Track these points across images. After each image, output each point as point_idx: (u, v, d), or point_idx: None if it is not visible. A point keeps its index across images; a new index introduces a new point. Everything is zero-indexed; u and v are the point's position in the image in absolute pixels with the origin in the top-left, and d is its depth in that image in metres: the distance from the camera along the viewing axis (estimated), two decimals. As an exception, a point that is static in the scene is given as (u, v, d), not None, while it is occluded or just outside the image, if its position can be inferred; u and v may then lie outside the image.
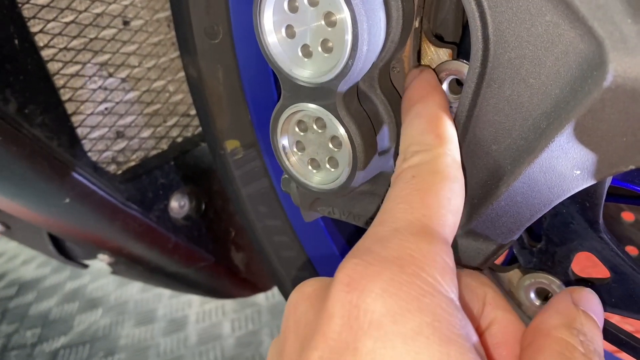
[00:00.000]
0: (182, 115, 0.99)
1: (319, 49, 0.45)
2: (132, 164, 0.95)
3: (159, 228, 0.91)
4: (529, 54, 0.42)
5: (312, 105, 0.48)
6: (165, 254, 0.94)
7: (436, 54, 0.52)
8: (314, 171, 0.52)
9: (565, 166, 0.39)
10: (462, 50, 0.52)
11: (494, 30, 0.42)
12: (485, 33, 0.43)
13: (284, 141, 0.51)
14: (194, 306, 1.77)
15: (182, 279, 1.02)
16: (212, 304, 1.73)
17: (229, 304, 1.70)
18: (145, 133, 0.97)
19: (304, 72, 0.47)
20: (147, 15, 0.95)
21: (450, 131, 0.45)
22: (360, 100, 0.49)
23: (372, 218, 0.55)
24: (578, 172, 0.39)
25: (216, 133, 0.75)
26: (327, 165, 0.51)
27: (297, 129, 0.51)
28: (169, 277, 1.01)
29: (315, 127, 0.49)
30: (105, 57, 0.92)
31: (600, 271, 0.55)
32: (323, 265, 0.78)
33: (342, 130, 0.47)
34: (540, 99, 0.42)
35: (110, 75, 0.93)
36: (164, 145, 0.98)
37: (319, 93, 0.47)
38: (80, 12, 0.87)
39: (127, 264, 0.98)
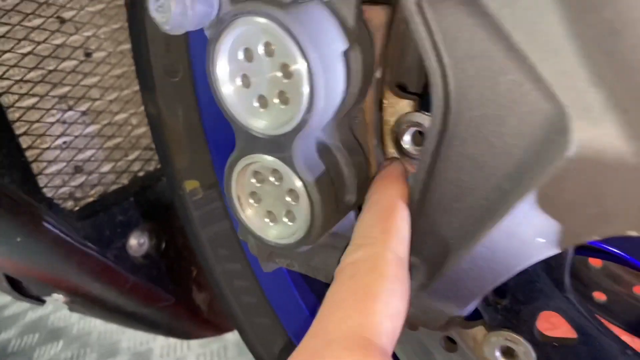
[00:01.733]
0: (144, 148, 0.96)
1: (276, 100, 0.43)
2: (91, 199, 0.91)
3: (116, 267, 0.88)
4: (492, 112, 0.40)
5: (268, 157, 0.45)
6: (123, 294, 0.90)
7: (399, 105, 0.51)
8: (271, 224, 0.49)
9: (528, 233, 0.38)
10: (426, 101, 0.51)
11: (455, 88, 0.41)
12: (446, 90, 0.41)
13: (239, 192, 0.49)
14: (159, 339, 1.71)
15: (141, 319, 0.97)
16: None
17: (194, 340, 1.64)
18: (106, 167, 0.93)
19: (260, 123, 0.44)
20: (111, 47, 0.93)
21: (398, 225, 0.44)
22: (319, 152, 0.47)
23: (332, 272, 0.53)
24: (542, 240, 0.37)
25: (175, 173, 0.72)
26: (285, 219, 0.48)
27: (253, 180, 0.48)
28: (128, 317, 0.97)
29: (271, 179, 0.47)
30: (65, 89, 0.89)
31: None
32: (285, 312, 0.75)
33: (298, 184, 0.45)
34: (503, 160, 0.41)
35: (70, 108, 0.90)
36: (125, 179, 0.95)
37: (274, 145, 0.44)
38: (39, 43, 0.84)
39: (84, 303, 0.93)
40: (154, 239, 0.93)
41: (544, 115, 0.37)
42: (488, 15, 0.37)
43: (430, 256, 0.47)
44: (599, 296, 0.79)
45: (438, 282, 0.46)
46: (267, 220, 0.49)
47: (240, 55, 0.44)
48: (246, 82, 0.44)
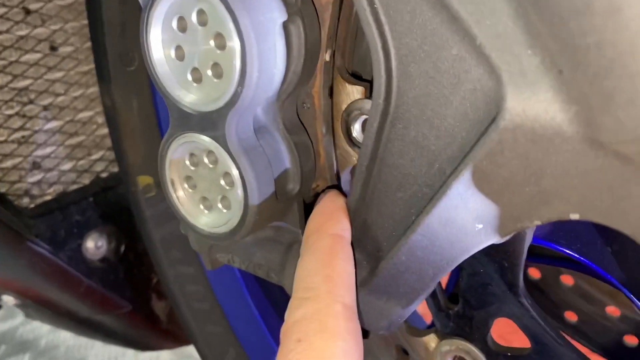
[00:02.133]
0: (108, 149, 0.93)
1: (209, 73, 0.41)
2: (48, 197, 0.87)
3: (69, 269, 0.84)
4: (435, 91, 0.37)
5: (201, 137, 0.42)
6: (76, 298, 0.86)
7: (350, 92, 0.48)
8: (205, 211, 0.46)
9: (466, 218, 0.34)
10: (378, 89, 0.48)
11: (397, 64, 0.38)
12: (388, 66, 0.38)
13: (172, 175, 0.46)
14: (128, 355, 1.65)
15: (96, 326, 0.93)
16: (147, 355, 1.61)
17: (165, 355, 1.58)
18: (66, 166, 0.90)
19: (190, 97, 0.41)
20: (78, 42, 0.90)
21: (342, 269, 0.40)
22: (259, 135, 0.44)
23: (273, 269, 0.49)
24: (480, 226, 0.34)
25: (128, 168, 0.69)
26: (219, 205, 0.45)
27: (187, 162, 0.45)
28: (82, 324, 0.92)
29: (206, 161, 0.44)
30: (27, 82, 0.86)
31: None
32: (238, 321, 0.71)
33: (233, 167, 0.42)
34: (446, 142, 0.38)
35: (31, 101, 0.87)
36: (86, 179, 0.91)
37: (208, 122, 0.41)
38: (1, 33, 0.82)
39: (35, 306, 0.89)
40: (113, 243, 0.90)
41: (487, 91, 0.35)
42: (429, -18, 0.34)
43: (372, 251, 0.44)
44: (570, 316, 0.76)
45: (379, 277, 0.42)
46: (201, 206, 0.46)
47: (174, 25, 0.41)
48: (180, 53, 0.42)
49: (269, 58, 0.39)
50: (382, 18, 0.37)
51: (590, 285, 0.75)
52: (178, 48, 0.42)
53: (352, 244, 0.45)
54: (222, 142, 0.41)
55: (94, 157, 0.93)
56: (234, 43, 0.38)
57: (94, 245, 0.88)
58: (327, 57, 0.46)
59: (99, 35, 0.63)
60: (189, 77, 0.42)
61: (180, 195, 0.46)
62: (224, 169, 0.43)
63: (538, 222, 0.32)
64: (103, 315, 0.91)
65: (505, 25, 0.29)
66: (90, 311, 0.90)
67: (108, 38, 0.62)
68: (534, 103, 0.28)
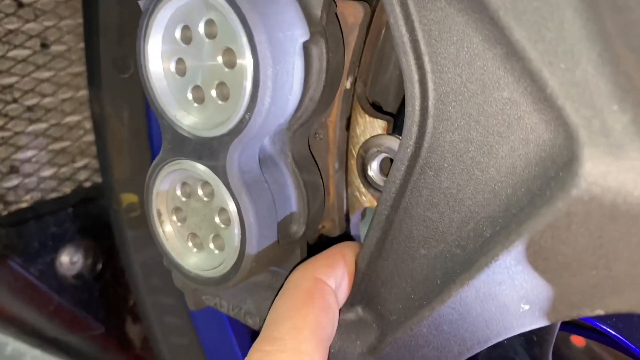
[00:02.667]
0: (94, 157, 0.86)
1: (213, 93, 0.35)
2: (24, 205, 0.81)
3: (39, 284, 0.77)
4: (478, 138, 0.32)
5: (197, 165, 0.36)
6: (43, 316, 0.79)
7: (369, 125, 0.42)
8: (194, 250, 0.40)
9: (511, 296, 0.29)
10: (402, 124, 0.42)
11: (435, 102, 0.32)
12: (424, 103, 0.33)
13: (159, 205, 0.39)
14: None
15: (64, 347, 0.86)
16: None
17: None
18: (47, 172, 0.83)
19: (189, 119, 0.36)
20: (72, 42, 0.84)
21: (314, 319, 0.35)
22: (264, 168, 0.38)
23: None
24: (527, 307, 0.28)
25: (113, 183, 0.63)
26: (211, 245, 0.39)
27: (178, 192, 0.39)
28: (49, 343, 0.85)
29: (200, 193, 0.38)
30: (12, 79, 0.79)
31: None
32: (218, 358, 0.64)
33: (231, 203, 0.36)
34: (486, 199, 0.32)
35: (15, 100, 0.80)
36: (67, 188, 0.85)
37: (207, 150, 0.36)
38: (-12, 24, 0.75)
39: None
40: (90, 259, 0.83)
41: (543, 144, 0.29)
42: (486, 10, 0.29)
43: (385, 313, 0.38)
44: (579, 381, 0.70)
45: (390, 346, 0.36)
46: (190, 244, 0.40)
47: (178, 34, 0.35)
48: (181, 68, 0.36)
49: (285, 82, 0.33)
50: (423, 48, 0.32)
51: (603, 348, 0.69)
52: (179, 61, 0.36)
53: (360, 299, 0.39)
54: (221, 173, 0.35)
55: (78, 164, 0.86)
56: (246, 61, 0.32)
57: (69, 260, 0.81)
58: (348, 85, 0.40)
59: (93, 36, 0.57)
60: (189, 96, 0.36)
61: (167, 229, 0.40)
62: (220, 204, 0.37)
63: (600, 312, 0.26)
64: (73, 336, 0.84)
65: (585, 72, 0.23)
66: (58, 331, 0.83)
67: (102, 40, 0.56)
68: (619, 171, 0.23)
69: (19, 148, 0.81)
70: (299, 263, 0.42)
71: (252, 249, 0.36)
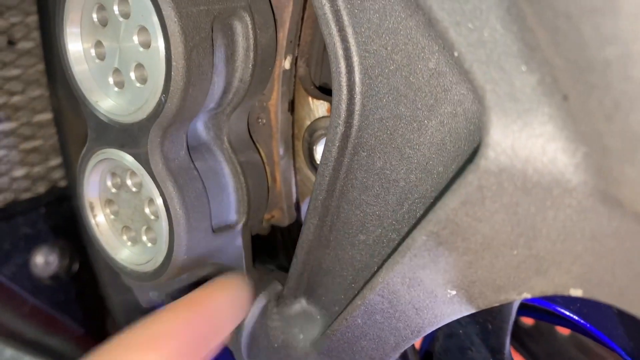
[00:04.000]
0: (68, 155, 0.85)
1: (132, 76, 0.33)
2: (-4, 206, 0.79)
3: (12, 286, 0.75)
4: (407, 113, 0.29)
5: (121, 154, 0.34)
6: (19, 318, 0.78)
7: (314, 108, 0.40)
8: (128, 243, 0.38)
9: (437, 281, 0.26)
10: (347, 106, 0.40)
11: (361, 77, 0.30)
12: (351, 79, 0.31)
13: (91, 197, 0.38)
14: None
15: (44, 349, 0.85)
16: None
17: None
18: (19, 172, 0.82)
19: (107, 103, 0.34)
20: (40, 38, 0.82)
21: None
22: (196, 155, 0.36)
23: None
24: (454, 292, 0.26)
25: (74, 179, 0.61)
26: (144, 238, 0.37)
27: (109, 183, 0.37)
28: (28, 345, 0.84)
29: (129, 183, 0.36)
30: (-22, 78, 0.78)
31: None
32: None
33: (157, 194, 0.34)
34: (418, 178, 0.30)
35: (-18, 100, 0.79)
36: (41, 188, 0.83)
37: (128, 137, 0.34)
38: (-50, 22, 0.74)
39: (-24, 324, 0.81)
40: (66, 259, 0.81)
41: (472, 117, 0.27)
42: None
43: (328, 304, 0.36)
44: (565, 371, 0.67)
45: (330, 340, 0.34)
46: (124, 237, 0.38)
47: (94, 16, 0.33)
48: (101, 51, 0.34)
49: (203, 60, 0.31)
50: (345, 18, 0.30)
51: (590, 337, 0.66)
52: (98, 44, 0.34)
53: (304, 290, 0.37)
54: (144, 161, 0.33)
55: (52, 163, 0.85)
56: (158, 39, 0.30)
57: (44, 260, 0.79)
58: (287, 65, 0.38)
59: (47, 30, 0.56)
60: (110, 81, 0.34)
61: (100, 222, 0.38)
62: (149, 194, 0.35)
63: (527, 295, 0.24)
64: (51, 338, 0.83)
65: (493, 30, 0.21)
66: (36, 333, 0.81)
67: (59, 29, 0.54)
68: (528, 138, 0.20)
69: (-12, 148, 0.80)
70: (254, 254, 0.40)
71: (182, 240, 0.34)
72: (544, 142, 0.20)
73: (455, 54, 0.22)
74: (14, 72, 0.81)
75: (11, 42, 0.81)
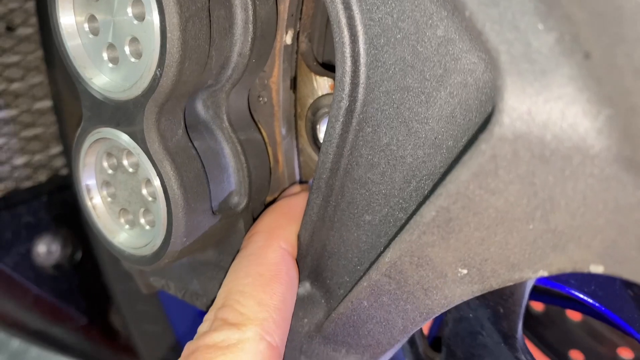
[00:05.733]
0: (70, 143, 0.84)
1: (127, 50, 0.31)
2: (-2, 195, 0.78)
3: (15, 276, 0.75)
4: (414, 85, 0.28)
5: (117, 133, 0.33)
6: (23, 308, 0.77)
7: (318, 84, 0.39)
8: (126, 227, 0.37)
9: (446, 260, 0.25)
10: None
11: (366, 47, 0.29)
12: (355, 49, 0.29)
13: (87, 179, 0.36)
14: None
15: (49, 339, 0.84)
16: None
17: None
18: (19, 160, 0.81)
19: (102, 79, 0.32)
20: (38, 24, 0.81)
21: (280, 296, 0.32)
22: (195, 134, 0.35)
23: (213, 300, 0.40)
24: (464, 271, 0.25)
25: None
26: (142, 221, 0.36)
27: (105, 164, 0.36)
28: (33, 335, 0.83)
29: (126, 163, 0.35)
30: (-23, 64, 0.77)
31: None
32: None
33: (154, 175, 0.32)
34: (427, 154, 0.28)
35: (-19, 87, 0.78)
36: (43, 176, 0.82)
37: (123, 114, 0.32)
38: (-53, 8, 0.73)
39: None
40: (68, 248, 0.80)
41: (483, 87, 0.25)
42: None
43: (333, 287, 0.35)
44: (576, 356, 0.66)
45: (334, 323, 0.33)
46: (122, 220, 0.37)
47: (87, -12, 0.32)
48: (94, 26, 0.33)
49: (200, 31, 0.30)
50: (348, -16, 0.28)
51: (601, 323, 0.65)
52: (92, 18, 0.33)
53: (308, 273, 0.36)
54: (140, 140, 0.32)
55: (53, 151, 0.84)
56: (152, 11, 0.28)
57: (46, 250, 0.79)
58: (289, 40, 0.37)
59: (45, 15, 0.54)
60: (105, 56, 0.33)
61: (97, 204, 0.37)
62: (146, 175, 0.33)
63: (544, 274, 0.23)
64: (56, 327, 0.82)
65: (508, -14, 0.20)
66: (41, 323, 0.81)
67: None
68: (546, 102, 0.19)
69: (-12, 136, 0.79)
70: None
71: (180, 222, 0.33)
72: (563, 106, 0.18)
73: (467, 13, 0.21)
74: (14, 58, 0.80)
75: (10, 28, 0.80)
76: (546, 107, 0.19)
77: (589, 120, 0.18)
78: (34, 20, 0.81)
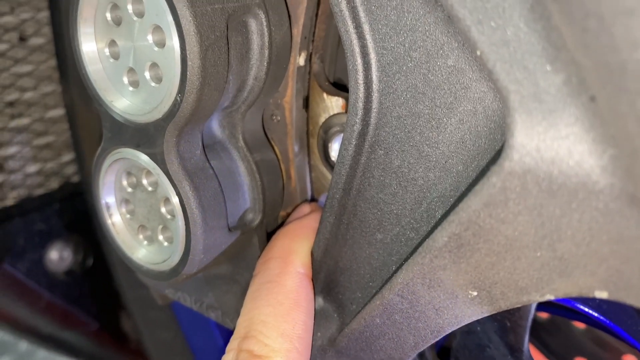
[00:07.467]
0: (81, 151, 0.85)
1: (147, 75, 0.33)
2: (10, 202, 0.80)
3: (28, 282, 0.76)
4: (425, 111, 0.29)
5: (137, 153, 0.34)
6: (35, 313, 0.78)
7: (329, 104, 0.40)
8: (145, 243, 0.38)
9: (457, 282, 0.26)
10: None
11: (379, 74, 0.30)
12: (368, 76, 0.30)
13: (107, 196, 0.38)
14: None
15: (60, 343, 0.85)
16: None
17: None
18: (32, 168, 0.82)
19: (123, 103, 0.34)
20: (51, 34, 0.82)
21: (302, 325, 0.33)
22: (212, 154, 0.36)
23: (228, 314, 0.41)
24: (474, 293, 0.26)
25: (88, 175, 0.61)
26: (160, 237, 0.37)
27: (124, 183, 0.37)
28: (44, 340, 0.85)
29: (145, 182, 0.36)
30: (-9, 74, 0.78)
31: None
32: (204, 357, 0.63)
33: (173, 193, 0.34)
34: (437, 177, 0.29)
35: (-5, 96, 0.79)
36: (55, 184, 0.83)
37: (144, 136, 0.33)
38: (-38, 19, 0.74)
39: (-7, 320, 0.81)
40: (80, 254, 0.82)
41: (492, 115, 0.26)
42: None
43: (345, 302, 0.36)
44: (582, 363, 0.67)
45: (348, 338, 0.34)
46: (140, 236, 0.38)
47: (108, 16, 0.33)
48: (114, 51, 0.34)
49: (219, 59, 0.31)
50: (362, 15, 0.29)
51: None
52: (112, 44, 0.34)
53: (321, 288, 0.37)
54: (160, 161, 0.33)
55: (65, 159, 0.85)
56: (173, 38, 0.30)
57: (58, 256, 0.80)
58: (302, 62, 0.38)
59: (59, 26, 0.56)
60: (125, 80, 0.34)
61: (116, 222, 0.38)
62: (164, 193, 0.35)
63: (550, 297, 0.24)
64: (67, 332, 0.84)
65: (517, 29, 0.21)
66: (52, 328, 0.82)
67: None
68: (554, 140, 0.20)
69: (1, 145, 0.80)
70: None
71: (198, 240, 0.34)
72: (570, 144, 0.19)
73: (478, 53, 0.22)
74: (26, 68, 0.81)
75: (22, 39, 0.81)
76: (554, 145, 0.20)
77: (594, 158, 0.19)
78: (46, 30, 0.82)
